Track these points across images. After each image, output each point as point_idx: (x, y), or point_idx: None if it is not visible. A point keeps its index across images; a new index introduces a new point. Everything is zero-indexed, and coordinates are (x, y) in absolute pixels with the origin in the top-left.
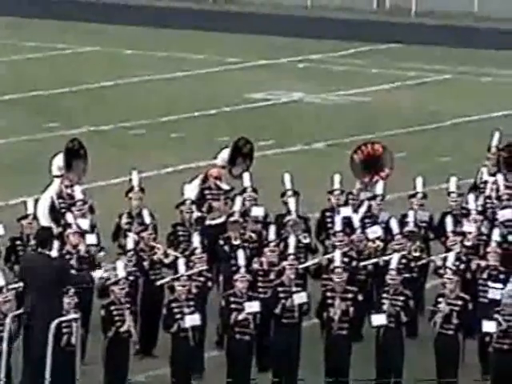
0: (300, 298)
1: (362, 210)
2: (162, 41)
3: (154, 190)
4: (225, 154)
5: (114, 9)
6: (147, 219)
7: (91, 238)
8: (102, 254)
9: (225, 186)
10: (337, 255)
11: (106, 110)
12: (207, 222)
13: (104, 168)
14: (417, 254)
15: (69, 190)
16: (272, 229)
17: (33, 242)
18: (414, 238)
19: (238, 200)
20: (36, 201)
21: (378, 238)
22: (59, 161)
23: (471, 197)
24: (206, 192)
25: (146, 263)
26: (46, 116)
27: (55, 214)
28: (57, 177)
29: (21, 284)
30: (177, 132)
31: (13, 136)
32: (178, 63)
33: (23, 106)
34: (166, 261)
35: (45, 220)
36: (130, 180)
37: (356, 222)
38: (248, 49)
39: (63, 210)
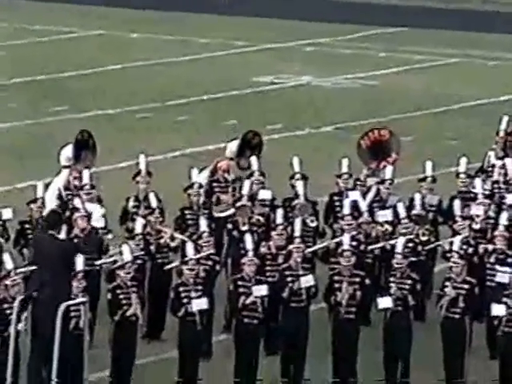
0: (306, 281)
1: (371, 195)
2: (169, 24)
3: (161, 173)
4: (233, 146)
5: None
6: (154, 203)
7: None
8: (109, 236)
9: (231, 178)
10: (345, 238)
11: (113, 94)
12: (215, 215)
13: (111, 152)
14: (425, 237)
15: (76, 182)
16: (279, 212)
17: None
18: (422, 222)
19: (247, 184)
20: (46, 185)
21: (387, 222)
22: (68, 151)
23: (478, 181)
24: (215, 185)
25: (152, 247)
26: (53, 100)
27: (61, 205)
28: (65, 167)
29: (30, 268)
30: (184, 115)
31: (20, 120)
32: (186, 46)
33: (30, 90)
34: (173, 244)
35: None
36: (137, 164)
37: (363, 207)
38: (256, 32)
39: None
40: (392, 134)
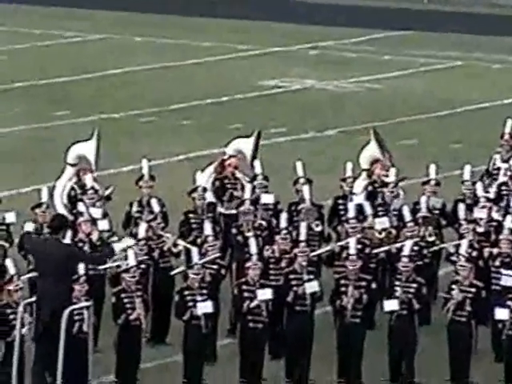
0: (311, 287)
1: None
2: (172, 28)
3: (164, 177)
4: (237, 143)
5: None
6: (156, 208)
7: (103, 224)
8: (114, 238)
9: (240, 175)
10: (351, 242)
11: (117, 98)
12: (226, 212)
13: (114, 156)
14: (431, 238)
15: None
16: (283, 216)
17: (46, 230)
18: (427, 223)
19: (248, 188)
20: (52, 189)
21: (384, 230)
22: (78, 150)
23: (479, 184)
24: (226, 181)
25: (155, 253)
26: (56, 104)
27: (73, 202)
28: (72, 165)
29: (35, 274)
30: (188, 120)
31: (23, 124)
32: (190, 50)
33: (32, 94)
34: (175, 250)
35: (63, 208)
36: (140, 168)
37: (368, 210)
38: (260, 36)
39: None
40: (376, 133)
